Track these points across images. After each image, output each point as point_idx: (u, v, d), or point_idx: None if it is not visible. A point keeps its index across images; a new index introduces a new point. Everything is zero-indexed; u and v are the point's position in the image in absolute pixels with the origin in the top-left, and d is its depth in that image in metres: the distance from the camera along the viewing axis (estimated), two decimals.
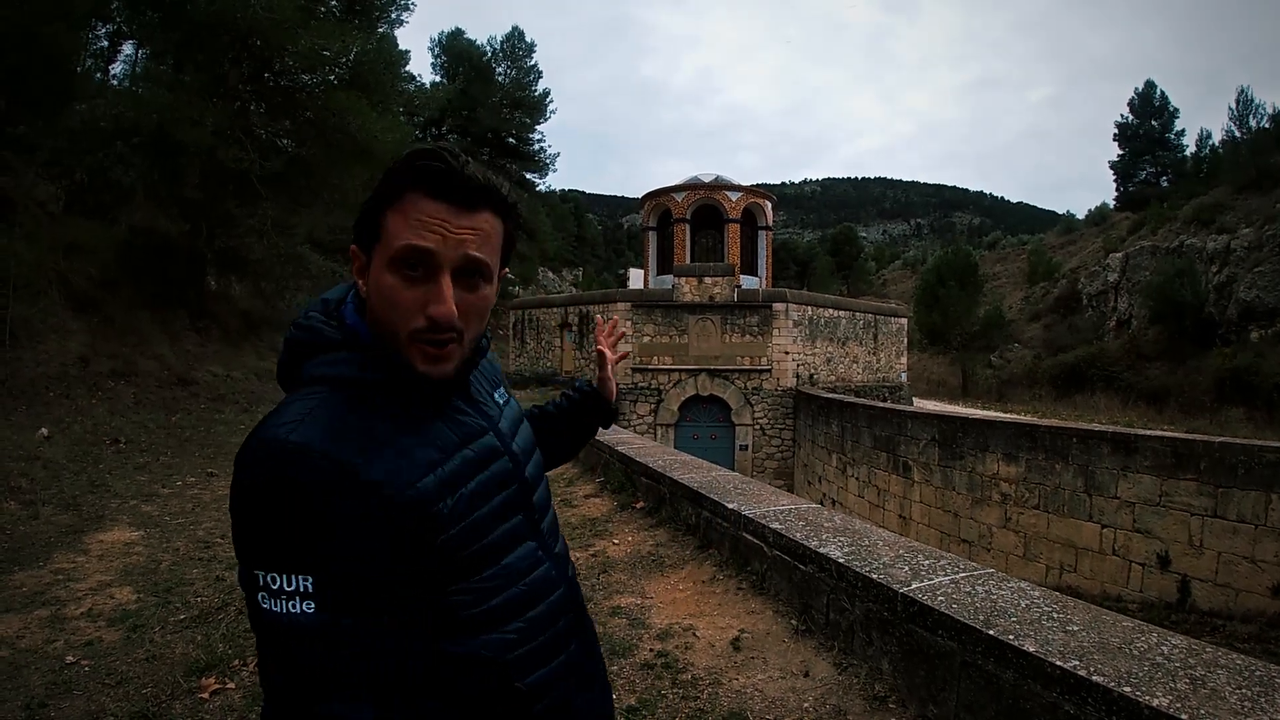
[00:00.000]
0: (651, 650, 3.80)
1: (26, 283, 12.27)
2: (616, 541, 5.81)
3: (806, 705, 3.20)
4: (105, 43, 19.97)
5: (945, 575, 3.26)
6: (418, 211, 1.07)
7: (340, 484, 1.01)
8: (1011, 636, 2.54)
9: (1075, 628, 2.59)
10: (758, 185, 28.87)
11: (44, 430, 10.20)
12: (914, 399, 27.24)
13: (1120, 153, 57.54)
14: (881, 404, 18.33)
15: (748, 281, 24.85)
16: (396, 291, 1.08)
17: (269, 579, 0.98)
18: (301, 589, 0.97)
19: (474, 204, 1.10)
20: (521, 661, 1.17)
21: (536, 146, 41.86)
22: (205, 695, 3.67)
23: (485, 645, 1.14)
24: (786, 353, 20.54)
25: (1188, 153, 53.15)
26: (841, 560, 3.60)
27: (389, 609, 1.06)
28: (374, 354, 1.13)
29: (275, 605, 0.98)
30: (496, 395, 1.35)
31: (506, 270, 1.25)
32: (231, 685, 3.79)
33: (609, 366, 1.88)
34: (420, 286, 1.08)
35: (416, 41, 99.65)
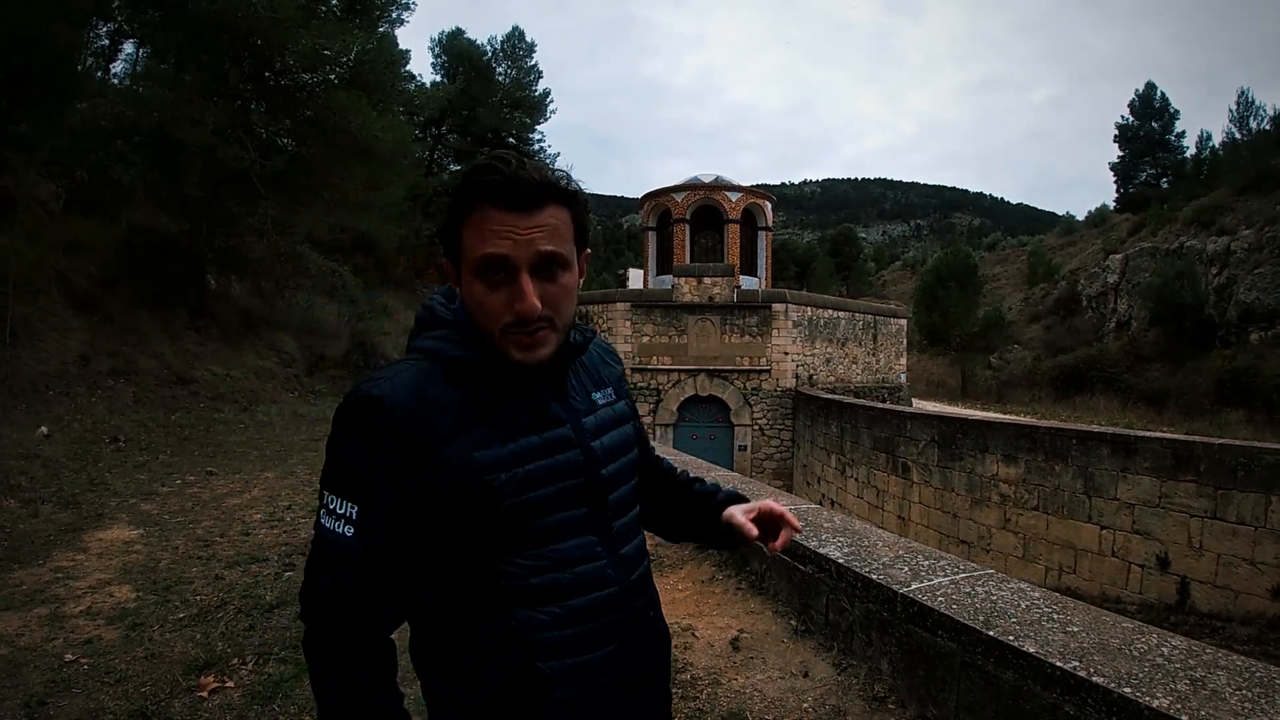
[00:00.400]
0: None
1: (27, 281, 12.27)
2: None
3: (806, 705, 3.20)
4: (106, 41, 19.99)
5: (945, 576, 3.26)
6: (487, 222, 1.18)
7: (398, 436, 1.15)
8: (1011, 637, 2.54)
9: (1075, 629, 2.59)
10: (758, 186, 28.87)
11: (44, 428, 10.20)
12: (913, 400, 27.25)
13: (1120, 154, 57.48)
14: (881, 405, 18.34)
15: (747, 282, 24.84)
16: (484, 296, 1.20)
17: (330, 499, 1.18)
18: (348, 514, 1.16)
19: (536, 203, 1.19)
20: (550, 645, 1.22)
21: (536, 147, 41.72)
22: (204, 694, 3.67)
23: (516, 619, 1.21)
24: (786, 353, 20.54)
25: (1188, 154, 53.08)
26: (841, 560, 3.60)
27: (430, 561, 1.22)
28: (468, 334, 1.26)
29: (327, 521, 1.18)
30: (597, 395, 1.42)
31: (589, 251, 1.35)
32: (230, 684, 3.79)
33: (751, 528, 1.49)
34: (504, 288, 1.19)
35: (417, 41, 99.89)
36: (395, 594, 1.21)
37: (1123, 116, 57.26)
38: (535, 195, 1.19)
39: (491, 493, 1.18)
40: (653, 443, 1.80)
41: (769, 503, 1.46)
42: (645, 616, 1.39)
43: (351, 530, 1.16)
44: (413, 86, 27.76)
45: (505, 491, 1.19)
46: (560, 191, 1.23)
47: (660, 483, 1.64)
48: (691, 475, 1.67)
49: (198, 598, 5.23)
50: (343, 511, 1.16)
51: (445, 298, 1.35)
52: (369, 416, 1.16)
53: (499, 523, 1.19)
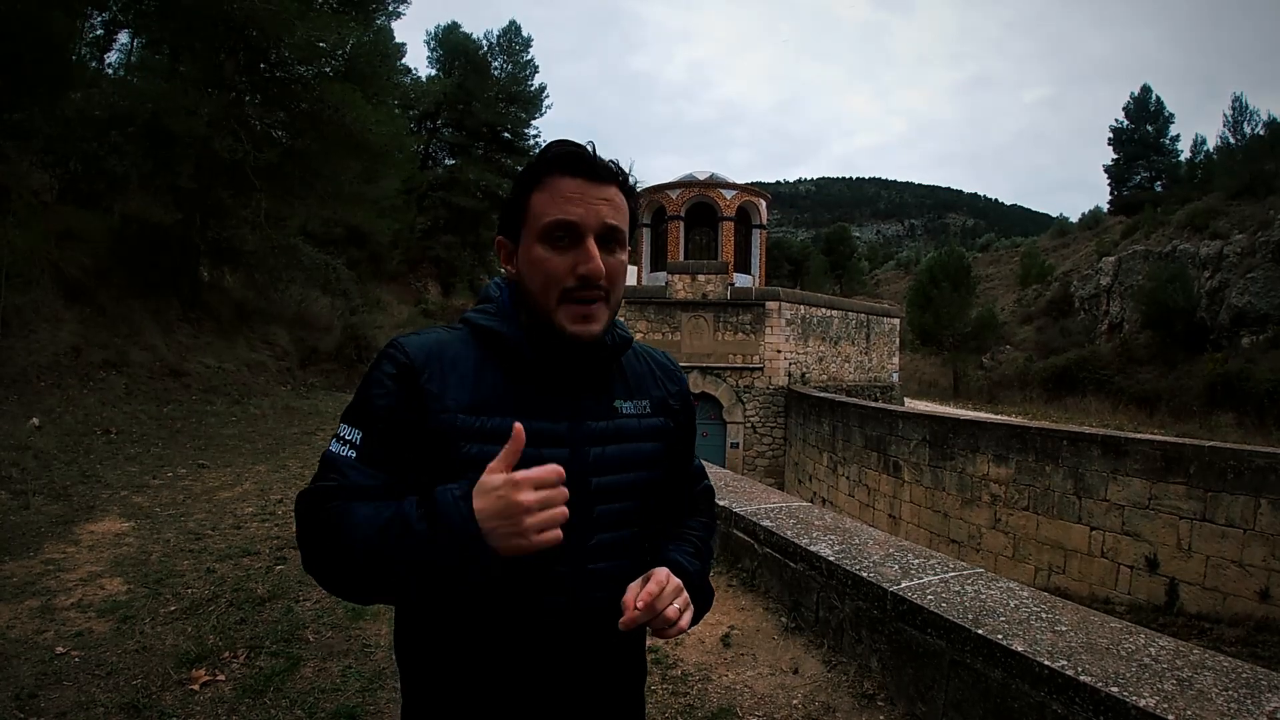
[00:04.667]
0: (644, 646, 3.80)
1: (19, 272, 12.21)
2: None
3: (795, 702, 3.22)
4: (100, 31, 19.87)
5: (934, 574, 3.28)
6: (559, 188, 1.24)
7: (405, 377, 1.23)
8: (1000, 636, 2.56)
9: (1063, 628, 2.61)
10: (752, 183, 28.86)
11: (35, 420, 10.16)
12: (905, 399, 27.31)
13: (1115, 156, 57.54)
14: (873, 404, 18.38)
15: (741, 279, 24.85)
16: (548, 260, 1.24)
17: (342, 428, 1.26)
18: (353, 439, 1.23)
19: (603, 178, 1.26)
20: (501, 633, 1.25)
21: (531, 141, 41.68)
22: (195, 687, 3.67)
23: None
24: (779, 351, 20.56)
25: (1182, 158, 53.28)
26: (832, 558, 3.61)
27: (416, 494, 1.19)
28: (506, 313, 1.32)
29: (334, 446, 1.24)
30: (625, 404, 1.39)
31: (630, 249, 1.37)
32: (222, 677, 3.79)
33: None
34: (569, 252, 1.24)
35: (413, 34, 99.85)
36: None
37: (1117, 119, 57.33)
38: (606, 172, 1.26)
39: (456, 459, 1.20)
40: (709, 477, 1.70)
41: (657, 573, 1.25)
42: (600, 641, 1.29)
43: (354, 453, 1.22)
44: (408, 80, 27.72)
45: (470, 463, 1.17)
46: (624, 178, 1.30)
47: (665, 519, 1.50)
48: (678, 533, 1.50)
49: (189, 590, 5.22)
50: (349, 437, 1.23)
51: (500, 282, 1.40)
52: (389, 359, 1.26)
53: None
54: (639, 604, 1.17)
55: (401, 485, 1.20)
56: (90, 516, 7.27)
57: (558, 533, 1.10)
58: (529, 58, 41.31)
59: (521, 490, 1.07)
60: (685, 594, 1.25)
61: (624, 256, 1.30)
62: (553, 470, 1.10)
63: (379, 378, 1.25)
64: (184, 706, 3.49)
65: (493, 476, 1.09)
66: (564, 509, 1.11)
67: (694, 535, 1.49)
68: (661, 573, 1.24)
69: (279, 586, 5.28)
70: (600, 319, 1.27)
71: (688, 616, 1.24)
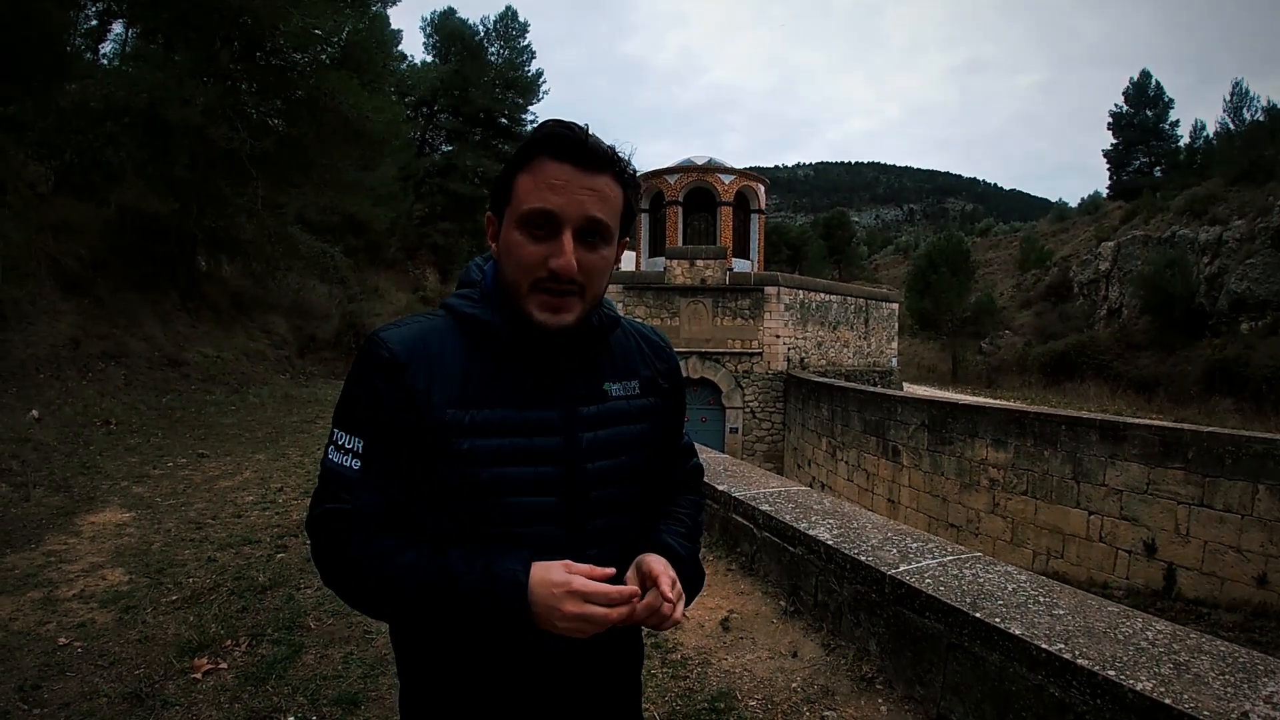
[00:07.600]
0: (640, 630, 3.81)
1: (16, 264, 12.20)
2: None
3: (795, 685, 3.23)
4: (95, 21, 19.81)
5: (933, 558, 3.29)
6: (544, 173, 1.18)
7: (391, 376, 1.19)
8: (998, 619, 2.57)
9: (1061, 612, 2.62)
10: (750, 168, 28.78)
11: (34, 412, 10.16)
12: (904, 384, 27.29)
13: (1114, 141, 57.46)
14: (871, 389, 18.36)
15: (739, 264, 24.80)
16: (522, 247, 1.20)
17: (338, 435, 1.22)
18: (354, 448, 1.20)
19: (595, 166, 1.19)
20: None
21: (529, 127, 41.53)
22: (198, 676, 3.68)
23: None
24: (777, 336, 20.53)
25: (1182, 143, 53.18)
26: (830, 542, 3.62)
27: (422, 497, 1.21)
28: (489, 296, 1.28)
29: (334, 455, 1.21)
30: (614, 386, 1.35)
31: (628, 240, 1.33)
32: (224, 665, 3.80)
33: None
34: (545, 243, 1.19)
35: (409, 21, 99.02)
36: (398, 519, 1.21)
37: (1116, 104, 57.25)
38: (598, 159, 1.19)
39: (450, 455, 1.18)
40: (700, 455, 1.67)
41: (653, 564, 1.25)
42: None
43: (358, 464, 1.19)
44: (404, 66, 27.66)
45: (463, 459, 1.18)
46: (621, 167, 1.23)
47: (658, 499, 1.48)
48: (669, 511, 1.47)
49: (190, 580, 5.23)
50: (350, 446, 1.20)
51: (482, 262, 1.37)
52: (373, 357, 1.21)
53: (457, 489, 1.19)
54: (639, 607, 1.18)
55: (406, 496, 1.20)
56: (91, 507, 7.28)
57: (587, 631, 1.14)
58: (526, 43, 41.19)
59: (581, 604, 1.12)
60: (678, 585, 1.24)
61: (607, 252, 1.24)
62: (619, 592, 1.15)
63: (366, 379, 1.21)
64: (187, 695, 3.50)
65: (561, 574, 1.14)
66: (601, 627, 1.14)
67: (684, 514, 1.48)
68: (653, 565, 1.24)
69: (280, 574, 5.30)
70: (572, 310, 1.22)
71: (680, 607, 1.23)
